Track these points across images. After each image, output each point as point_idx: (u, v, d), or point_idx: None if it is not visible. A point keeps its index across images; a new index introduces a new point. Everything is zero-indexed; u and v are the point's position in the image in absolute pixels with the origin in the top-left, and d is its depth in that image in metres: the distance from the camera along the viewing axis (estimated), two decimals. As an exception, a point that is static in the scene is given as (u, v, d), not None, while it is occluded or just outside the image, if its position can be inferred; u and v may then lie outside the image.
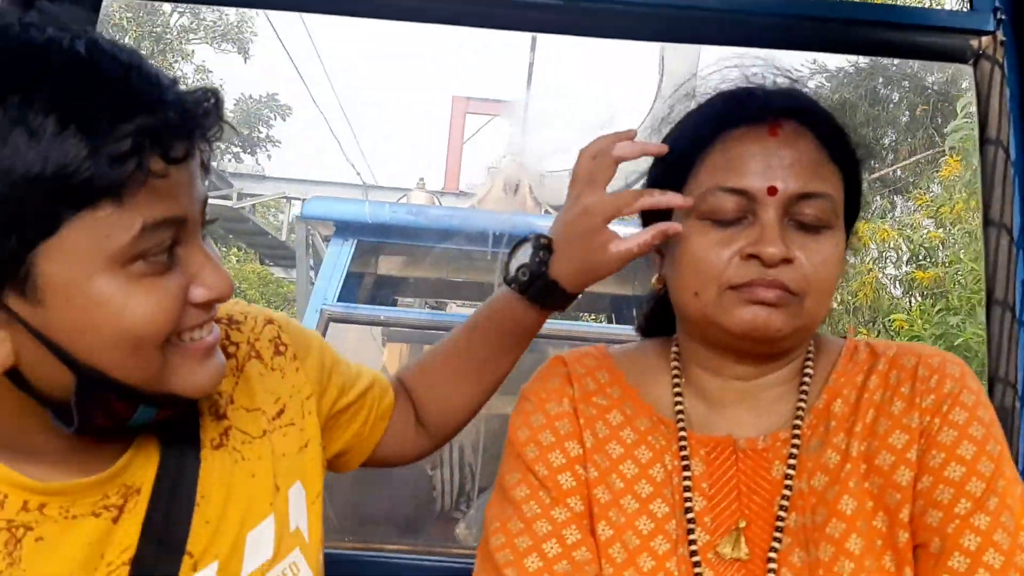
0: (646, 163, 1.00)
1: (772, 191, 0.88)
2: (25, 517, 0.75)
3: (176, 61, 18.41)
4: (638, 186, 1.01)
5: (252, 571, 0.85)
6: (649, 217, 0.99)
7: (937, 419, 0.89)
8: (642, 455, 0.96)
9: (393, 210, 4.96)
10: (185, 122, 0.69)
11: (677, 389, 0.98)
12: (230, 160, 18.84)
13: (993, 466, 0.86)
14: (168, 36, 18.38)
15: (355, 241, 4.78)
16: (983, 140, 1.19)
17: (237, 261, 16.55)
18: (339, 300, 4.51)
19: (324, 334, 4.23)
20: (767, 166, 0.89)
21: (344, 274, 4.64)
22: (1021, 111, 1.18)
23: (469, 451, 4.68)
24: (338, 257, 4.72)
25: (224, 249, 15.88)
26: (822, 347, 1.00)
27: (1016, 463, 0.94)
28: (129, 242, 0.68)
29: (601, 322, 7.07)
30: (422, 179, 6.56)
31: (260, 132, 20.44)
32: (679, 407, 0.97)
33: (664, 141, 0.99)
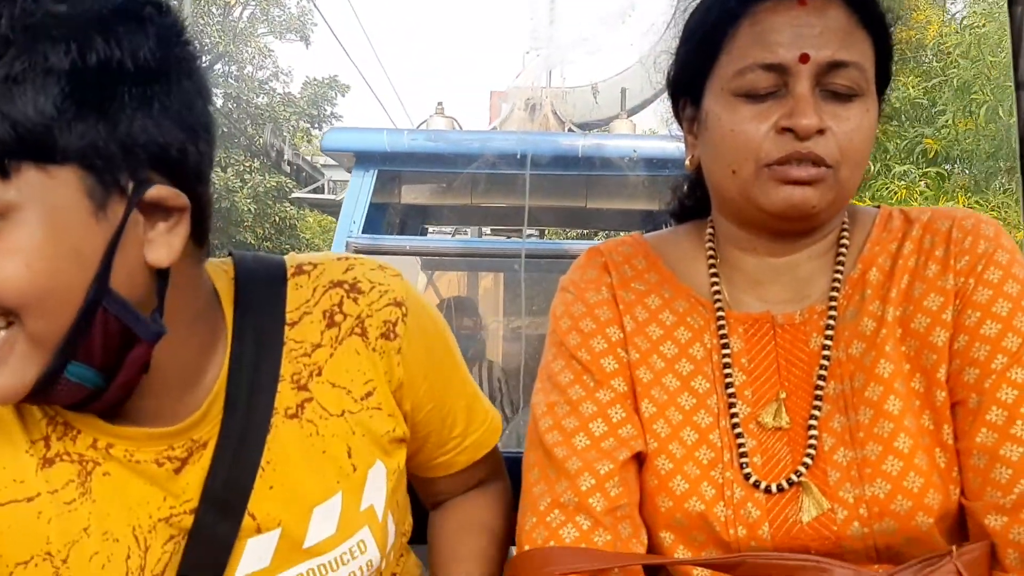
0: (674, 42, 0.99)
1: (804, 58, 0.87)
2: (93, 454, 0.80)
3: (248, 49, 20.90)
4: (664, 66, 1.01)
5: (315, 543, 0.86)
6: (679, 93, 0.99)
7: (972, 279, 0.89)
8: (681, 335, 0.98)
9: (412, 137, 4.85)
10: None
11: (713, 270, 1.00)
12: (302, 137, 20.82)
13: None
14: (239, 27, 20.88)
15: (375, 171, 4.70)
16: (1018, 83, 1.17)
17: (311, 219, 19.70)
18: (364, 232, 4.48)
19: None
20: (798, 35, 0.88)
21: (367, 205, 4.57)
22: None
23: (498, 369, 4.72)
24: (360, 188, 4.64)
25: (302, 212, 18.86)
26: (857, 218, 1.00)
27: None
28: None
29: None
30: (440, 103, 6.07)
31: (326, 110, 22.42)
32: (716, 287, 0.99)
33: (690, 18, 0.98)
